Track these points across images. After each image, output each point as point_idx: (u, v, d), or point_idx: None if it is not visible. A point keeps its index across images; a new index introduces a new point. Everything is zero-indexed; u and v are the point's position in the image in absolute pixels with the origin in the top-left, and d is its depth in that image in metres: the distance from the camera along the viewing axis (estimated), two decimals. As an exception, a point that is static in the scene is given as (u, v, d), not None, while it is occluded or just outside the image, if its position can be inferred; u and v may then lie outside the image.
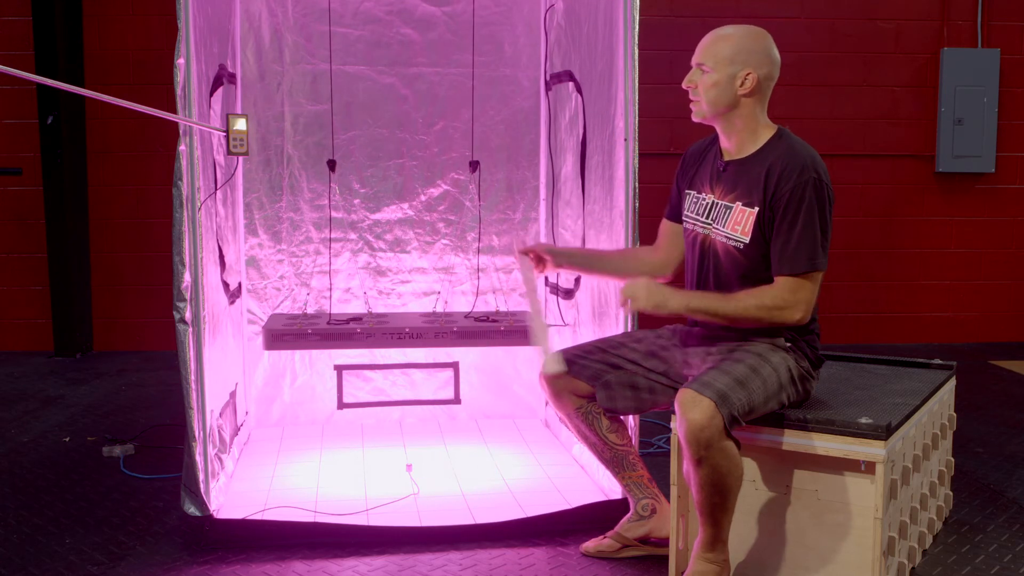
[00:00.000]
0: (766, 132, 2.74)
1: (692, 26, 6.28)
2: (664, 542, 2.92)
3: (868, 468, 2.55)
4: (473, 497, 3.40)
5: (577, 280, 3.86)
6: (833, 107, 6.41)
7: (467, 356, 4.40)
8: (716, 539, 2.58)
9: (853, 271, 6.57)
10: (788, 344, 2.69)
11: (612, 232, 3.32)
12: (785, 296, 2.61)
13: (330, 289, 4.32)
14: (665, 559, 2.91)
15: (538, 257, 3.03)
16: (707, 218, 2.79)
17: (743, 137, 2.74)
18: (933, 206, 6.57)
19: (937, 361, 3.29)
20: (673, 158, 6.15)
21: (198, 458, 2.96)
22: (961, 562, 2.97)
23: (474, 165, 4.36)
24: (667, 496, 2.90)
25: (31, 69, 5.76)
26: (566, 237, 4.03)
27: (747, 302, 2.62)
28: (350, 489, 3.47)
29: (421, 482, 3.52)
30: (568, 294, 3.98)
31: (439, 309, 4.29)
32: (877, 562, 2.56)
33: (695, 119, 2.80)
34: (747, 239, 2.68)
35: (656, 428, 4.31)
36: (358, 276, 4.38)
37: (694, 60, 2.76)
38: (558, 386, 2.93)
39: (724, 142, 2.79)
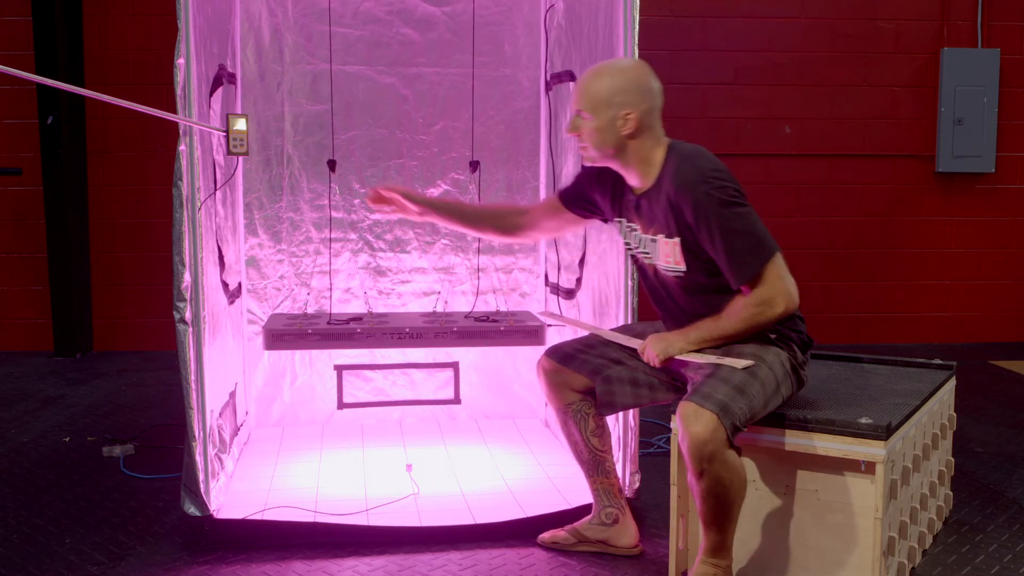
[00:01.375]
0: (659, 155, 2.70)
1: (692, 26, 6.29)
2: (619, 549, 2.99)
3: (868, 468, 2.55)
4: (473, 497, 3.40)
5: (578, 280, 3.86)
6: (833, 107, 6.41)
7: (467, 356, 4.40)
8: (720, 546, 2.57)
9: (853, 271, 6.57)
10: (774, 337, 2.68)
11: (612, 231, 3.32)
12: (756, 302, 2.59)
13: (330, 289, 4.32)
14: (665, 560, 2.92)
15: (380, 197, 3.07)
16: (644, 249, 2.79)
17: (641, 171, 2.71)
18: (933, 206, 6.57)
19: (937, 361, 3.29)
20: (673, 158, 6.16)
21: (198, 458, 2.96)
22: (961, 562, 2.97)
23: (474, 165, 4.36)
24: (666, 496, 2.90)
25: (31, 69, 5.76)
26: (567, 237, 4.03)
27: (731, 321, 2.62)
28: (350, 489, 3.48)
29: (421, 482, 3.52)
30: (569, 294, 3.99)
31: (439, 309, 4.29)
32: (877, 562, 2.56)
33: (586, 164, 2.80)
34: (683, 268, 2.67)
35: (656, 428, 4.31)
36: (358, 276, 4.38)
37: (573, 106, 2.73)
38: (556, 380, 2.93)
39: (627, 179, 2.78)
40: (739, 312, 2.62)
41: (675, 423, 2.72)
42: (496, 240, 3.11)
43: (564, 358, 2.93)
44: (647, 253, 2.78)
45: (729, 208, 2.55)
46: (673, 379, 2.80)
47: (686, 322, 2.77)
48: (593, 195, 2.91)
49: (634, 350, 2.84)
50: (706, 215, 2.55)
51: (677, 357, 2.68)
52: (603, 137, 2.67)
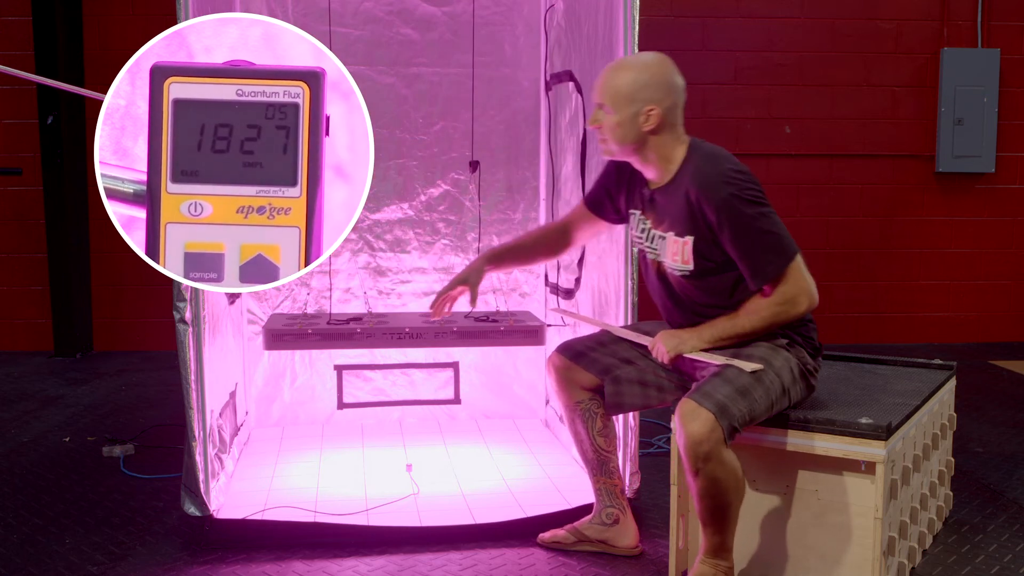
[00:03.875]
0: (680, 152, 2.71)
1: (692, 26, 6.29)
2: (619, 549, 2.98)
3: (868, 468, 2.55)
4: (473, 497, 3.40)
5: (577, 280, 3.86)
6: (833, 107, 6.41)
7: (467, 356, 4.40)
8: (720, 547, 2.57)
9: (853, 271, 6.57)
10: (786, 341, 2.69)
11: (611, 231, 3.32)
12: (778, 301, 2.60)
13: (330, 289, 4.32)
14: (665, 560, 2.92)
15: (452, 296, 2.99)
16: (651, 244, 2.79)
17: (659, 167, 2.72)
18: (933, 206, 6.57)
19: (937, 361, 3.29)
20: (673, 158, 6.15)
21: (198, 458, 2.96)
22: (961, 562, 2.97)
23: (474, 165, 4.35)
24: (666, 496, 2.90)
25: (31, 69, 5.76)
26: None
27: (751, 320, 2.63)
28: (350, 489, 3.47)
29: (421, 482, 3.52)
30: (568, 294, 3.98)
31: (439, 309, 4.28)
32: (877, 562, 2.56)
33: (605, 157, 2.80)
34: (690, 267, 2.67)
35: (656, 428, 4.31)
36: (358, 276, 4.38)
37: (594, 98, 2.72)
38: (566, 376, 2.92)
39: (644, 172, 2.78)
40: (760, 311, 2.62)
41: (675, 422, 2.73)
42: (546, 263, 3.12)
43: (575, 355, 2.92)
44: (655, 249, 2.77)
45: (752, 208, 2.57)
46: (682, 380, 2.80)
47: (684, 319, 2.77)
48: (616, 192, 2.91)
49: (645, 348, 2.84)
50: (729, 216, 2.56)
51: (687, 355, 2.68)
52: (624, 132, 2.67)
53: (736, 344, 2.66)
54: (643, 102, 2.64)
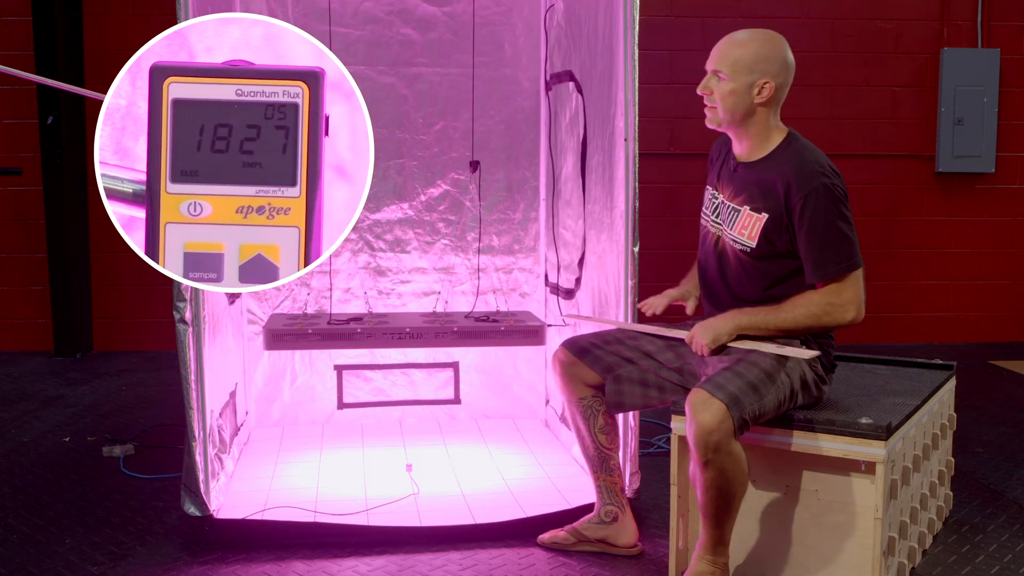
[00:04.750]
0: (777, 136, 2.75)
1: (692, 26, 6.28)
2: (618, 548, 2.98)
3: (868, 468, 2.55)
4: (473, 497, 3.40)
5: (577, 280, 3.86)
6: (833, 107, 6.41)
7: (467, 356, 4.40)
8: (719, 541, 2.58)
9: (853, 271, 6.56)
10: (804, 348, 2.69)
11: (612, 232, 3.32)
12: (831, 300, 2.62)
13: (330, 289, 4.32)
14: (665, 560, 2.92)
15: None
16: (716, 217, 2.80)
17: (755, 143, 2.75)
18: (933, 206, 6.57)
19: (937, 361, 3.29)
20: (673, 158, 6.18)
21: (198, 458, 2.96)
22: (961, 562, 2.97)
23: (474, 165, 4.35)
24: (666, 496, 2.90)
25: (31, 69, 5.76)
26: (566, 237, 4.03)
27: (796, 312, 2.64)
28: (350, 489, 3.47)
29: (421, 482, 3.52)
30: (568, 294, 3.98)
31: (439, 309, 4.29)
32: (877, 562, 2.56)
33: (709, 125, 2.80)
34: (753, 244, 2.69)
35: (656, 428, 4.31)
36: (358, 276, 4.38)
37: (709, 65, 2.74)
38: (570, 372, 2.93)
39: (736, 146, 2.80)
40: (809, 304, 2.63)
41: (675, 422, 2.73)
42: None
43: (580, 351, 2.92)
44: (719, 223, 2.79)
45: (837, 207, 2.61)
46: (683, 381, 2.81)
47: (728, 301, 2.79)
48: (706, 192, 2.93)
49: (663, 345, 2.84)
50: (815, 206, 2.59)
51: (730, 344, 2.68)
52: (736, 101, 2.69)
53: (762, 339, 2.67)
54: (760, 74, 2.68)
